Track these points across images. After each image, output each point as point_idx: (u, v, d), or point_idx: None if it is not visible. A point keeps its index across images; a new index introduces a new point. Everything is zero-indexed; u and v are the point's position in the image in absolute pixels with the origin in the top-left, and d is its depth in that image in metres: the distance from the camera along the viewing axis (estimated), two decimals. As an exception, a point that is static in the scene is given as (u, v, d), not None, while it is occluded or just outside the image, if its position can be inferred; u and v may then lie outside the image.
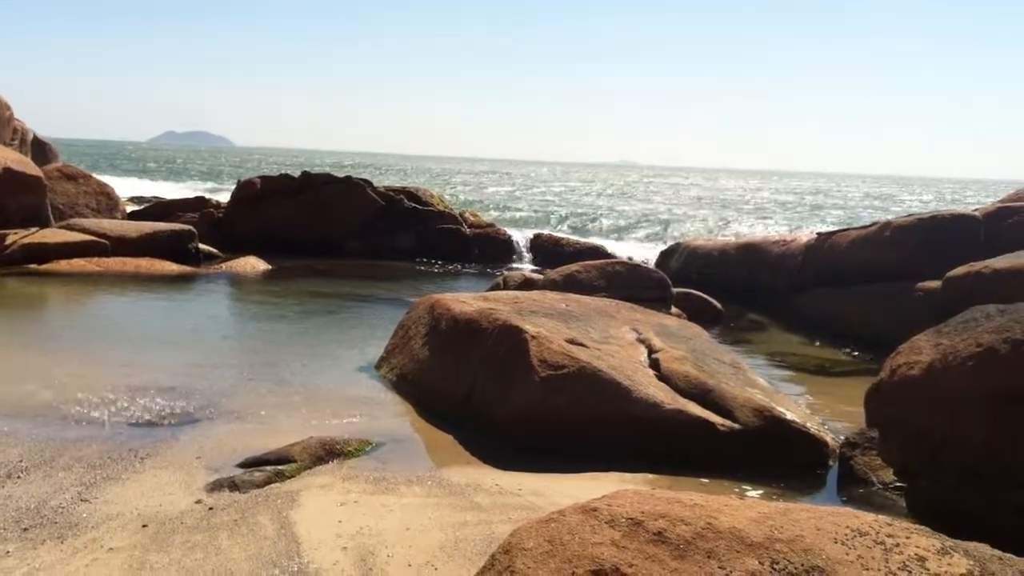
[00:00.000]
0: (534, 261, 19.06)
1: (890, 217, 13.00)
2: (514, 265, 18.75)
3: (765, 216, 39.71)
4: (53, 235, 15.40)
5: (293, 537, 4.62)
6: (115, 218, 18.79)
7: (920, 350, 5.22)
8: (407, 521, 4.88)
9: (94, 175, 21.39)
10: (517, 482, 5.66)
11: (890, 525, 3.31)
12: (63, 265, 14.51)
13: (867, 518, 3.37)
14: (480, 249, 19.54)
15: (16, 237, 15.04)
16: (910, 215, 12.43)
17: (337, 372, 8.65)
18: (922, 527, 3.37)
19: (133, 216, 19.78)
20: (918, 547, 3.15)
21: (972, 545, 3.22)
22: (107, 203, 19.81)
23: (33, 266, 14.38)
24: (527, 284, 12.11)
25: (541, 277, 12.50)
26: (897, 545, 3.15)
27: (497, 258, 19.27)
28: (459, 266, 18.59)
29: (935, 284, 10.18)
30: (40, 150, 27.40)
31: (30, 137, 27.41)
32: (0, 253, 14.67)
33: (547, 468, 5.99)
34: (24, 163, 17.57)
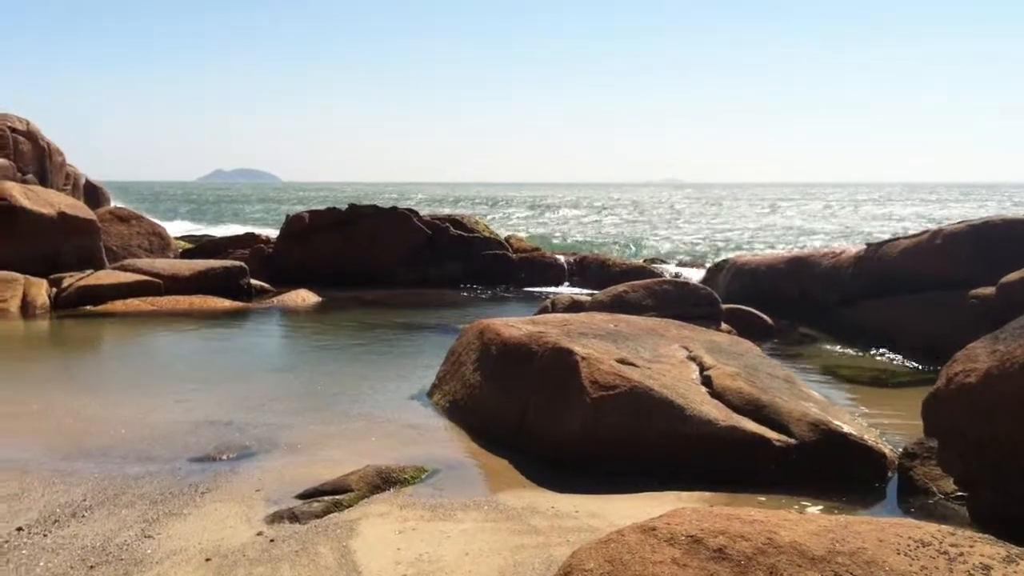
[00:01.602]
0: (580, 283, 19.04)
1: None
2: (561, 288, 18.76)
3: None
4: (107, 276, 15.69)
5: (354, 566, 4.65)
6: (167, 257, 19.13)
7: (976, 357, 5.15)
8: (465, 546, 4.90)
9: (146, 216, 21.80)
10: (573, 504, 5.66)
11: (953, 535, 3.27)
12: (118, 305, 14.76)
13: (930, 528, 3.33)
14: (526, 273, 19.60)
15: (72, 280, 15.36)
16: (961, 221, 12.25)
17: (390, 401, 8.70)
18: (986, 536, 3.33)
19: (185, 255, 20.11)
20: (983, 555, 3.11)
21: (1038, 552, 3.18)
22: (159, 243, 20.19)
23: (89, 307, 14.65)
24: (575, 306, 12.12)
25: (589, 299, 12.51)
26: (961, 554, 3.11)
27: (543, 281, 19.31)
28: (506, 291, 18.65)
29: (989, 291, 10.02)
30: (92, 194, 28.03)
31: (82, 181, 28.06)
32: (57, 295, 14.99)
33: (603, 489, 5.98)
34: (78, 207, 18.00)
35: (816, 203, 69.89)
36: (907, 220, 46.70)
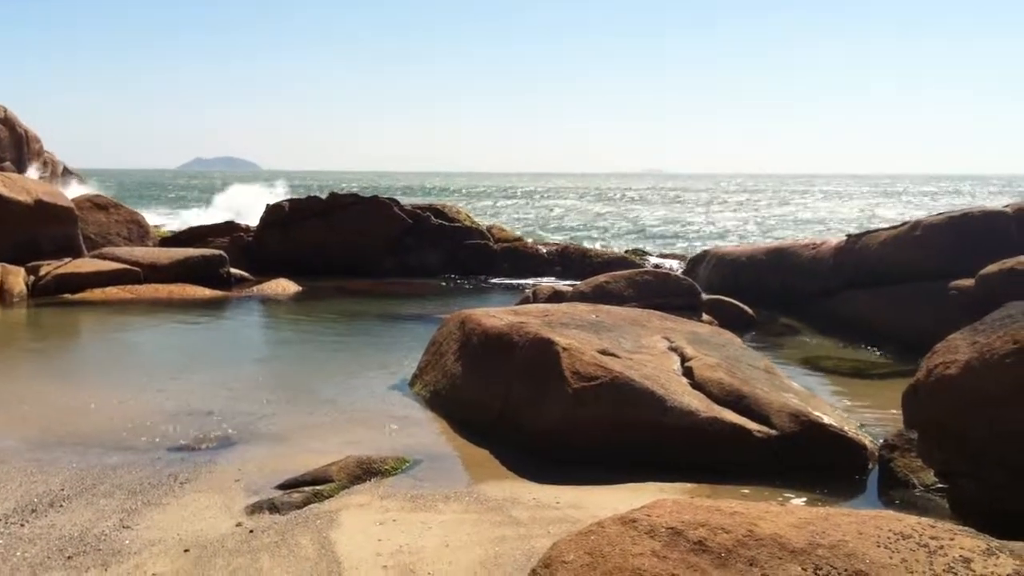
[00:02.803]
0: (562, 273, 18.99)
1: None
2: (542, 278, 18.72)
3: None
4: (86, 264, 15.57)
5: (334, 557, 4.63)
6: (146, 246, 18.98)
7: (956, 349, 5.16)
8: (446, 538, 4.89)
9: (125, 204, 21.61)
10: (555, 495, 5.65)
11: (933, 527, 3.28)
12: (96, 294, 14.66)
13: (910, 521, 3.34)
14: (508, 263, 19.55)
15: (49, 268, 15.22)
16: (940, 213, 12.30)
17: (371, 391, 8.67)
18: (966, 528, 3.33)
19: (164, 243, 19.96)
20: (963, 548, 3.11)
21: (1019, 545, 3.19)
22: (138, 231, 20.03)
23: (67, 295, 14.53)
24: (556, 296, 12.10)
25: (571, 289, 12.49)
26: (941, 547, 3.12)
27: (525, 271, 19.24)
28: (487, 281, 18.60)
29: (968, 282, 10.07)
30: (70, 181, 27.81)
31: (60, 169, 27.85)
32: (35, 284, 14.86)
33: (584, 480, 5.97)
34: (55, 194, 17.82)
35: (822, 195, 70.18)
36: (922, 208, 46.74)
